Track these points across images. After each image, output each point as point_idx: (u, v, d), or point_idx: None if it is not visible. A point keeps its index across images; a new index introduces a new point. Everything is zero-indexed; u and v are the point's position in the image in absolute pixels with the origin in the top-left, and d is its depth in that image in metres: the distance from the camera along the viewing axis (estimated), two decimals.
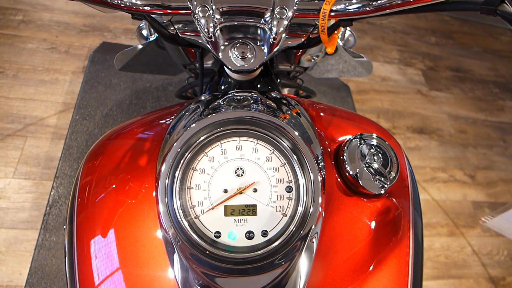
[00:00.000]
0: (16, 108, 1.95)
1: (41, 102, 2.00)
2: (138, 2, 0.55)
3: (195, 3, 0.55)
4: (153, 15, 0.64)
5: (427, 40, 3.28)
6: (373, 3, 0.55)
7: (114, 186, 0.55)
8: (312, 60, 0.98)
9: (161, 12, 0.57)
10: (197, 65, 0.98)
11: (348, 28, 1.12)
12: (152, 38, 1.04)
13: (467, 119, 2.78)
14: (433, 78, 2.97)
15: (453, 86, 2.98)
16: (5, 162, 1.78)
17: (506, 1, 0.45)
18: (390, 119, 2.58)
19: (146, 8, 0.55)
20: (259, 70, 0.66)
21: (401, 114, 2.64)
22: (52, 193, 1.70)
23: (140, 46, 1.02)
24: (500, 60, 3.35)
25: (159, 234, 0.50)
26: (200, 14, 0.55)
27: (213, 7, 0.56)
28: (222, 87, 0.81)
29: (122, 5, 0.54)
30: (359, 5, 0.56)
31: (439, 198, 2.29)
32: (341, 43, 1.09)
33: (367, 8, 0.55)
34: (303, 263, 0.49)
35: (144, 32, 1.08)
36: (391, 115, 2.61)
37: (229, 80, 0.78)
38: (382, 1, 0.54)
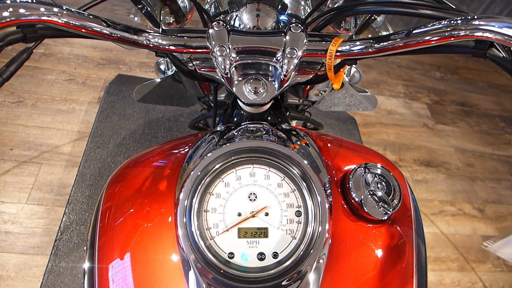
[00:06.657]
0: (33, 135, 2.02)
1: (57, 131, 2.08)
2: (164, 42, 0.61)
3: (213, 43, 0.60)
4: (175, 53, 0.70)
5: (432, 75, 3.35)
6: (375, 45, 0.60)
7: (133, 210, 0.58)
8: (320, 95, 1.03)
9: (183, 51, 0.63)
10: (211, 97, 1.03)
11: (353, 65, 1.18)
12: (169, 72, 1.11)
13: (474, 153, 2.78)
14: (439, 112, 3.01)
15: (459, 120, 3.00)
16: (20, 188, 1.83)
17: (494, 45, 0.50)
18: (397, 151, 2.60)
19: (171, 47, 0.62)
20: (270, 103, 0.71)
21: (407, 147, 2.66)
22: (63, 219, 1.73)
23: (158, 80, 1.09)
24: (505, 95, 3.39)
25: (176, 254, 0.53)
26: (218, 53, 0.60)
27: (230, 46, 0.61)
28: (235, 119, 0.86)
29: (151, 45, 0.60)
30: (362, 46, 0.61)
31: (448, 231, 2.26)
32: (347, 79, 1.14)
33: (370, 49, 0.61)
34: (312, 284, 0.51)
35: (162, 67, 1.16)
36: (397, 147, 2.63)
37: (242, 112, 0.82)
38: (384, 43, 0.59)
